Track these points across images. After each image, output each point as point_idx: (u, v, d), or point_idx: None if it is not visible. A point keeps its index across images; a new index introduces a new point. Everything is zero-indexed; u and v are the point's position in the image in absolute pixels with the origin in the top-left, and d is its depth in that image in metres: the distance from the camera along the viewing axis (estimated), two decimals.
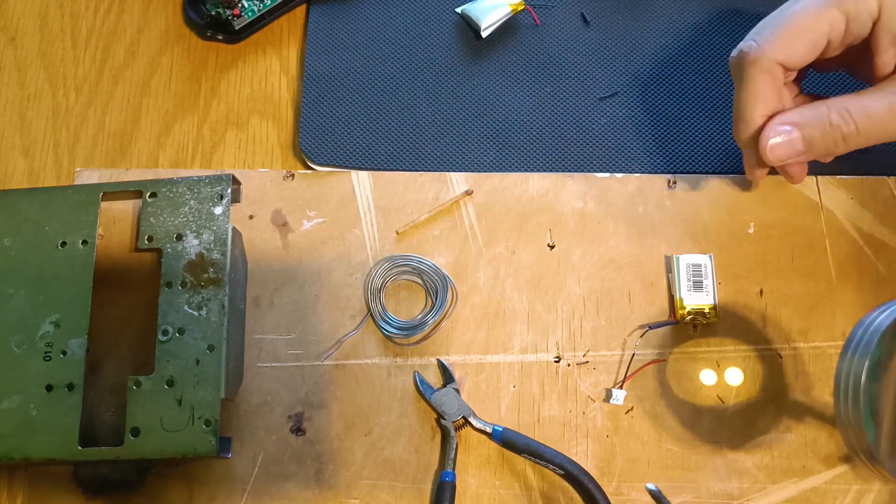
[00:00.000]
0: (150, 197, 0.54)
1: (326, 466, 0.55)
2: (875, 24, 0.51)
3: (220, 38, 0.65)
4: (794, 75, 0.55)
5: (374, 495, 0.55)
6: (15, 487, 0.55)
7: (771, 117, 0.53)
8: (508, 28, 0.65)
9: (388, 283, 0.59)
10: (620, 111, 0.63)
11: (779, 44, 0.51)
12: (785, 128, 0.52)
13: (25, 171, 0.62)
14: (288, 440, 0.56)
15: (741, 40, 0.54)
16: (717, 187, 0.60)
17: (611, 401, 0.56)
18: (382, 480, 0.55)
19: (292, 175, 0.61)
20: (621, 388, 0.56)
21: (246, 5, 0.64)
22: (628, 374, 0.56)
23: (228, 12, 0.64)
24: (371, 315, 0.58)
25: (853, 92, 0.52)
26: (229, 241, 0.52)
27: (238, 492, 0.55)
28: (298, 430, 0.56)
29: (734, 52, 0.53)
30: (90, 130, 0.63)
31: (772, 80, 0.51)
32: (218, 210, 0.53)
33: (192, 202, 0.53)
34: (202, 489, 0.55)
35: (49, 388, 0.50)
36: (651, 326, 0.57)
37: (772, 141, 0.52)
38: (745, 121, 0.53)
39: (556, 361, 0.57)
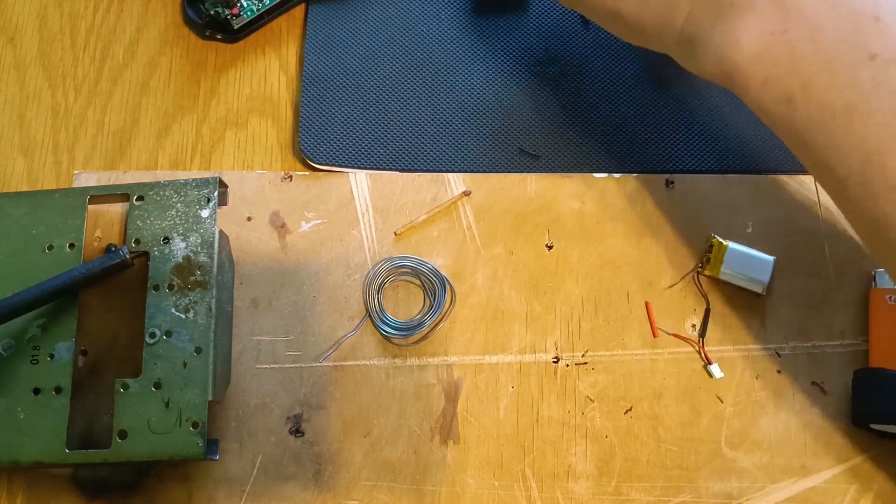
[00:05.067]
0: (137, 200, 0.54)
1: (325, 468, 0.55)
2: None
3: (219, 37, 0.65)
4: None
5: (374, 496, 0.55)
6: (14, 489, 0.55)
7: None
8: (508, 27, 0.65)
9: (386, 284, 0.59)
10: (618, 111, 0.62)
11: None
12: None
13: (24, 170, 0.62)
14: (287, 442, 0.56)
15: None
16: (715, 187, 0.60)
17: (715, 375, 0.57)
18: (381, 482, 0.55)
19: (290, 177, 0.61)
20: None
21: (245, 5, 0.64)
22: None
23: (227, 12, 0.64)
24: (369, 316, 0.58)
25: None
26: (216, 244, 0.52)
27: (237, 493, 0.55)
28: (297, 431, 0.56)
29: None
30: (89, 130, 0.63)
31: None
32: (205, 213, 0.53)
33: (178, 205, 0.54)
34: (201, 491, 0.55)
35: (36, 391, 0.51)
36: None
37: None
38: None
39: (554, 362, 0.57)
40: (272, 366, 0.57)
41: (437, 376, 0.57)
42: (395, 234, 0.60)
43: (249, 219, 0.60)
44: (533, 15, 0.65)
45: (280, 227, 0.60)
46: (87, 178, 0.62)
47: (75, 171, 0.62)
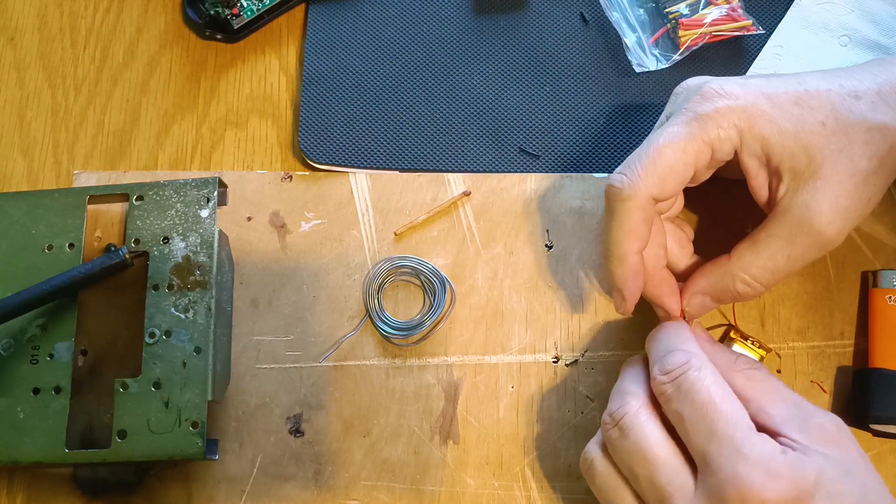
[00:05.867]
0: (136, 200, 0.54)
1: (325, 468, 0.55)
2: (738, 150, 0.50)
3: (219, 37, 0.65)
4: (664, 205, 0.54)
5: (373, 496, 0.55)
6: (14, 489, 0.56)
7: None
8: (508, 27, 0.65)
9: (386, 284, 0.59)
10: (618, 111, 0.62)
11: (650, 180, 0.50)
12: (697, 297, 0.53)
13: (24, 171, 0.62)
14: (287, 441, 0.56)
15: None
16: (714, 187, 0.60)
17: None
18: (381, 482, 0.55)
19: (290, 177, 0.61)
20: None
21: (245, 4, 0.64)
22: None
23: (227, 11, 0.64)
24: (369, 316, 0.58)
25: (748, 238, 0.51)
26: (216, 244, 0.53)
27: (237, 493, 0.55)
28: (297, 431, 0.56)
29: (607, 187, 0.52)
30: (89, 130, 0.63)
31: (645, 217, 0.50)
32: (204, 213, 0.53)
33: (178, 205, 0.54)
34: (201, 491, 0.55)
35: (36, 391, 0.51)
36: None
37: (688, 308, 0.53)
38: (619, 258, 0.51)
39: (554, 362, 0.57)
40: (272, 366, 0.57)
41: (436, 376, 0.57)
42: (395, 234, 0.60)
43: (249, 219, 0.60)
44: (533, 15, 0.65)
45: (280, 227, 0.60)
46: (87, 178, 0.62)
47: (75, 171, 0.62)
